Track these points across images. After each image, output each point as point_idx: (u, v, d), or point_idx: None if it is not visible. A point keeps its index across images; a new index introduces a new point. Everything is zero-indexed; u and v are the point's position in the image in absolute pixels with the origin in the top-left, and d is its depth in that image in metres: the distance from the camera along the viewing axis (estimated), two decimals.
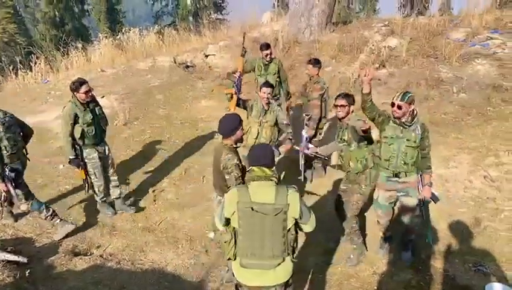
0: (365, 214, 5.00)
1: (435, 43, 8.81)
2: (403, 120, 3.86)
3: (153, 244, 4.67)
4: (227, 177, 3.47)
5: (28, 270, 3.95)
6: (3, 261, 3.98)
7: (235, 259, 2.77)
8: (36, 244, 4.56)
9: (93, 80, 10.14)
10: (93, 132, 4.80)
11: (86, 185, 4.96)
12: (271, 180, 2.71)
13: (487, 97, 6.98)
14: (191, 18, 26.07)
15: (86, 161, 4.85)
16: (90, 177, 4.93)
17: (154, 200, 5.56)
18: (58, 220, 4.63)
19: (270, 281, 2.73)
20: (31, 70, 10.88)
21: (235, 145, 3.58)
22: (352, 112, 4.06)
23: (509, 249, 4.38)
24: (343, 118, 4.06)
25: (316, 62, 5.63)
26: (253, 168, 2.75)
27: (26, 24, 25.58)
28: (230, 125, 3.50)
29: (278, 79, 6.07)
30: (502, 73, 7.52)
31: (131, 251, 4.55)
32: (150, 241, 4.71)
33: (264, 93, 4.73)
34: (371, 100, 3.91)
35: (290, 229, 2.71)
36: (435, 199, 4.21)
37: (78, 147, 4.79)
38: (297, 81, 8.82)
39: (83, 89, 4.61)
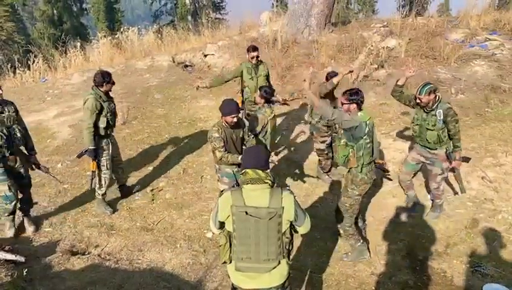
0: (366, 217, 5.00)
1: (433, 44, 8.84)
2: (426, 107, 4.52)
3: (151, 244, 4.66)
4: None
5: (26, 270, 3.93)
6: (0, 260, 3.96)
7: (230, 262, 2.76)
8: (34, 243, 4.54)
9: (91, 79, 10.12)
10: (113, 122, 5.09)
11: (93, 178, 5.08)
12: (265, 182, 2.67)
13: (485, 98, 7.01)
14: (189, 17, 26.08)
15: (100, 151, 5.02)
16: (100, 170, 5.05)
17: (153, 200, 5.55)
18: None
19: (265, 284, 2.72)
20: (29, 69, 10.87)
21: (224, 124, 4.28)
22: (355, 109, 3.95)
23: (507, 249, 4.39)
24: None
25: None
26: (247, 170, 2.71)
27: (24, 22, 25.59)
28: (225, 109, 4.22)
29: (266, 82, 5.98)
30: (500, 74, 7.55)
31: (129, 250, 4.54)
32: (148, 241, 4.70)
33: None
34: (402, 91, 4.75)
35: (285, 232, 2.68)
36: (467, 160, 4.88)
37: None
38: (295, 81, 8.84)
39: (111, 80, 5.00)
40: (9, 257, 4.04)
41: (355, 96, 3.94)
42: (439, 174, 4.76)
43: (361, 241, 4.39)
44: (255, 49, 5.95)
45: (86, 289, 3.84)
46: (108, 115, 4.93)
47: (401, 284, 4.04)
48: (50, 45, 19.41)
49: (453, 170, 4.75)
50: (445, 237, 4.66)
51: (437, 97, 4.47)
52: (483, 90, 7.22)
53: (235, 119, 4.26)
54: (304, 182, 5.76)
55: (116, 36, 12.54)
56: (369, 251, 4.42)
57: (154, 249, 4.57)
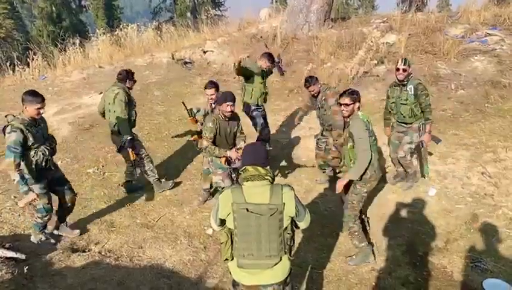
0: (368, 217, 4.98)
1: (433, 39, 8.81)
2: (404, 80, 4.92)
3: (151, 240, 4.67)
4: None
5: (26, 267, 3.94)
6: (1, 257, 3.97)
7: (232, 260, 2.76)
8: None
9: (91, 76, 10.14)
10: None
11: (135, 167, 5.33)
12: (265, 179, 2.67)
13: (485, 94, 6.99)
14: (189, 14, 26.03)
15: (137, 142, 5.34)
16: (141, 158, 5.33)
17: (153, 196, 5.56)
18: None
19: (267, 280, 2.72)
20: (28, 66, 10.85)
21: (221, 116, 4.47)
22: (358, 108, 3.95)
23: (506, 245, 4.39)
24: (348, 116, 3.97)
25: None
26: (247, 167, 2.70)
27: (23, 20, 25.51)
28: (220, 97, 4.48)
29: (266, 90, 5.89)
30: (500, 69, 7.53)
31: (129, 247, 4.55)
32: (148, 238, 4.71)
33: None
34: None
35: (286, 228, 2.68)
36: (436, 140, 5.47)
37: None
38: (295, 77, 8.83)
39: (133, 78, 5.31)
40: (10, 254, 4.05)
41: (356, 94, 3.93)
42: (408, 143, 5.16)
43: (366, 241, 4.30)
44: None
45: (87, 286, 3.84)
46: (135, 108, 5.33)
47: (401, 280, 4.05)
48: (49, 42, 19.37)
49: (421, 144, 5.10)
50: (445, 233, 4.66)
51: (410, 73, 4.96)
52: (483, 86, 7.20)
53: (230, 108, 4.39)
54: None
55: (116, 33, 12.51)
56: (374, 254, 4.35)
57: (155, 246, 4.58)
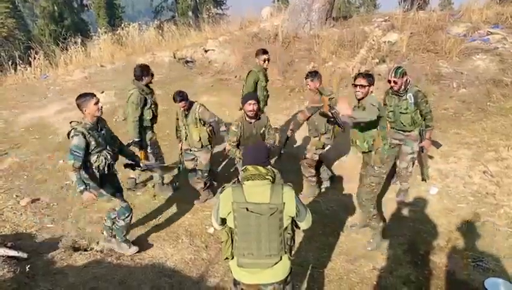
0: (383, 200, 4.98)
1: (435, 38, 8.78)
2: (399, 90, 4.73)
3: (152, 239, 4.68)
4: None
5: (28, 266, 3.95)
6: (3, 256, 3.98)
7: (232, 258, 2.76)
8: (36, 239, 4.56)
9: (93, 75, 10.15)
10: (156, 113, 5.35)
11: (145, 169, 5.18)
12: (266, 178, 2.68)
13: (487, 92, 6.97)
14: (190, 13, 25.98)
15: (147, 143, 5.28)
16: (148, 160, 5.28)
17: (154, 196, 5.57)
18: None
19: (267, 279, 2.72)
20: (30, 65, 10.87)
21: (245, 117, 4.59)
22: (371, 92, 3.99)
23: (508, 244, 4.38)
24: (362, 98, 3.98)
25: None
26: (248, 167, 2.71)
27: (25, 19, 25.54)
28: (243, 98, 4.60)
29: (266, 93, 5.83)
30: (502, 68, 7.50)
31: None
32: (149, 237, 4.72)
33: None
34: None
35: (286, 227, 2.68)
36: (437, 145, 5.47)
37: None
38: (296, 76, 8.81)
39: (150, 72, 5.18)
40: (12, 253, 4.06)
41: (371, 78, 3.98)
42: (409, 153, 5.03)
43: (382, 223, 4.49)
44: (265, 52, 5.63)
45: (88, 285, 3.85)
46: (152, 106, 5.20)
47: (402, 279, 4.05)
48: (51, 42, 19.38)
49: (421, 149, 5.02)
50: (447, 232, 4.66)
51: (408, 80, 4.72)
52: (485, 85, 7.18)
53: (253, 107, 4.46)
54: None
55: (117, 32, 12.52)
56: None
57: (156, 244, 4.59)
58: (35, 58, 10.94)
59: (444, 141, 6.05)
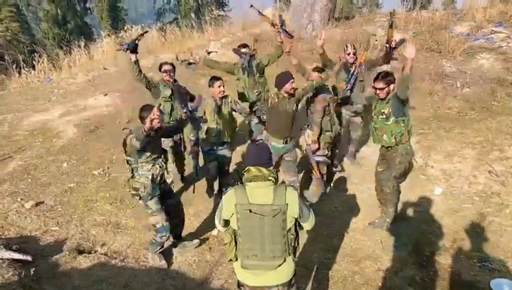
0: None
1: (438, 37, 8.76)
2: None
3: None
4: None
5: (33, 269, 3.95)
6: (8, 259, 3.98)
7: (236, 260, 2.75)
8: (41, 242, 4.57)
9: (96, 77, 10.19)
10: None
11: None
12: (269, 180, 2.66)
13: (491, 91, 6.93)
14: (193, 15, 26.01)
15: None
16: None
17: None
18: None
19: (271, 281, 2.71)
20: (34, 68, 10.94)
21: (285, 95, 4.62)
22: (393, 89, 4.05)
23: None
24: (384, 98, 4.10)
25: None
26: (250, 168, 2.69)
27: (29, 22, 25.66)
28: (282, 80, 4.56)
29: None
30: (507, 67, 7.47)
31: (135, 248, 4.56)
32: None
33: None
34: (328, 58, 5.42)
35: (290, 229, 2.66)
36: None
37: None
38: (299, 76, 8.79)
39: (161, 68, 5.41)
40: (17, 256, 4.07)
41: (389, 76, 4.02)
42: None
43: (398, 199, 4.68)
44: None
45: (93, 288, 3.86)
46: (162, 100, 5.27)
47: (407, 280, 4.02)
48: (55, 45, 19.49)
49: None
50: (452, 232, 4.63)
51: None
52: (490, 84, 7.14)
53: (293, 85, 4.56)
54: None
55: (120, 35, 12.56)
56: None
57: None
58: (39, 61, 11.01)
59: (448, 140, 6.03)
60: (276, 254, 2.64)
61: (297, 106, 4.79)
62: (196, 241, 4.58)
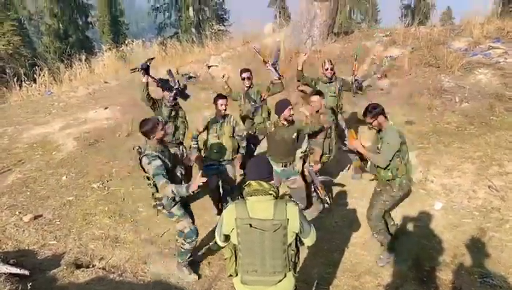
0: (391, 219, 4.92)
1: (436, 52, 8.83)
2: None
3: (155, 256, 4.65)
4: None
5: (30, 283, 3.90)
6: (5, 273, 3.95)
7: (236, 275, 2.73)
8: (38, 256, 4.53)
9: (97, 91, 10.23)
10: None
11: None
12: (269, 194, 2.66)
13: (490, 106, 6.97)
14: (193, 30, 26.29)
15: None
16: None
17: (157, 212, 5.53)
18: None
19: None
20: (35, 82, 10.97)
21: (284, 122, 4.67)
22: (386, 118, 4.07)
23: None
24: (379, 130, 4.11)
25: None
26: (251, 182, 2.69)
27: (31, 36, 25.88)
28: (281, 107, 4.59)
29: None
30: (505, 82, 7.51)
31: (134, 263, 4.53)
32: (152, 253, 4.69)
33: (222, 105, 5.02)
34: (302, 74, 5.69)
35: (290, 244, 2.65)
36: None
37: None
38: (299, 91, 8.84)
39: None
40: (14, 270, 4.04)
41: (376, 108, 4.03)
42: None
43: (389, 237, 4.47)
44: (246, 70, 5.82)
45: None
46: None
47: None
48: (56, 58, 19.64)
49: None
50: (452, 247, 4.60)
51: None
52: (488, 99, 7.18)
53: (291, 112, 4.59)
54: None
55: (121, 49, 12.67)
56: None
57: (159, 261, 4.55)
58: (40, 74, 11.05)
59: (447, 155, 6.03)
60: (277, 269, 2.63)
61: (298, 135, 4.82)
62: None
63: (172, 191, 3.61)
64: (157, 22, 28.92)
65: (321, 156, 5.20)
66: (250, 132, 5.60)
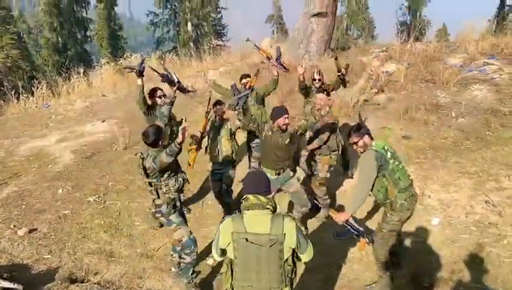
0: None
1: (432, 68, 8.94)
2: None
3: (151, 271, 4.59)
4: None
5: None
6: None
7: None
8: (32, 271, 4.47)
9: (94, 104, 10.25)
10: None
11: None
12: (267, 208, 2.64)
13: (486, 122, 7.02)
14: (191, 44, 26.50)
15: None
16: None
17: (153, 226, 5.50)
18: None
19: None
20: (32, 95, 11.00)
21: (278, 128, 4.60)
22: (372, 139, 3.99)
23: None
24: (364, 151, 3.99)
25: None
26: (248, 196, 2.69)
27: (29, 50, 25.98)
28: (276, 114, 4.56)
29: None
30: (500, 98, 7.59)
31: (129, 277, 4.47)
32: (148, 268, 4.64)
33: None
34: (305, 84, 5.63)
35: (287, 259, 2.63)
36: None
37: None
38: (296, 105, 8.88)
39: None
40: (7, 285, 3.98)
41: (361, 129, 3.99)
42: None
43: (389, 272, 4.22)
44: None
45: None
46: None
47: None
48: (54, 72, 19.67)
49: None
50: (450, 263, 4.58)
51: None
52: (484, 114, 7.24)
53: (286, 120, 4.55)
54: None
55: (119, 62, 12.73)
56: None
57: (155, 276, 4.50)
58: (38, 87, 11.08)
59: (444, 170, 6.05)
60: (273, 285, 2.60)
61: (291, 140, 4.79)
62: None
63: (166, 152, 3.71)
64: (155, 36, 29.15)
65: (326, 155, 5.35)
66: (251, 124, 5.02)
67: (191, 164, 5.20)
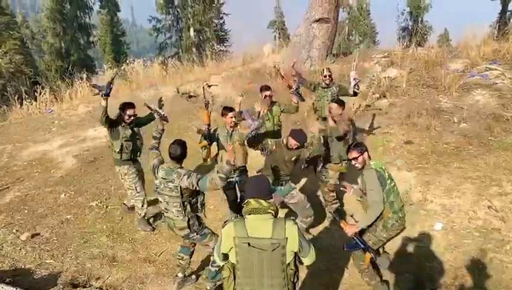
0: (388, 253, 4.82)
1: (434, 73, 8.95)
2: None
3: (153, 276, 4.59)
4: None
5: None
6: None
7: None
8: (35, 275, 4.47)
9: (97, 109, 10.26)
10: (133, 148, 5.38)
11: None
12: (268, 212, 2.65)
13: (488, 127, 7.01)
14: (194, 49, 26.59)
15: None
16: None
17: (154, 231, 5.51)
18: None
19: None
20: (35, 100, 11.02)
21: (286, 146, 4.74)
22: (369, 157, 4.01)
23: None
24: (362, 168, 3.99)
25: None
26: (250, 200, 2.70)
27: (33, 55, 26.12)
28: (293, 135, 4.66)
29: (280, 123, 6.01)
30: (502, 103, 7.59)
31: (131, 283, 4.47)
32: (150, 273, 4.63)
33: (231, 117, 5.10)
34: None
35: (289, 263, 2.63)
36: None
37: None
38: (299, 110, 8.90)
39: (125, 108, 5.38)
40: (10, 289, 3.98)
41: (361, 145, 4.03)
42: None
43: (378, 278, 4.16)
44: (268, 88, 5.82)
45: None
46: (123, 140, 5.28)
47: None
48: (57, 77, 19.78)
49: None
50: (453, 268, 4.57)
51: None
52: (486, 119, 7.24)
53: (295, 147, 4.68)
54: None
55: (122, 68, 12.78)
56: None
57: (157, 281, 4.50)
58: (41, 93, 11.12)
59: (447, 175, 6.04)
60: (275, 289, 2.60)
61: (297, 158, 4.91)
62: (194, 276, 4.51)
63: (220, 177, 3.71)
64: (158, 41, 29.27)
65: (340, 162, 5.39)
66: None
67: (207, 159, 5.17)
